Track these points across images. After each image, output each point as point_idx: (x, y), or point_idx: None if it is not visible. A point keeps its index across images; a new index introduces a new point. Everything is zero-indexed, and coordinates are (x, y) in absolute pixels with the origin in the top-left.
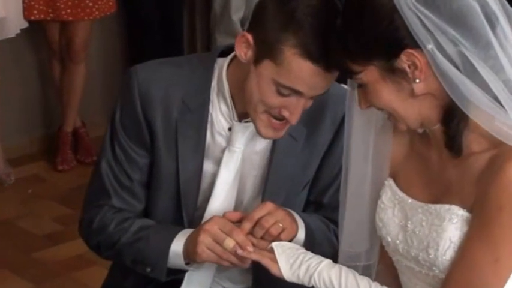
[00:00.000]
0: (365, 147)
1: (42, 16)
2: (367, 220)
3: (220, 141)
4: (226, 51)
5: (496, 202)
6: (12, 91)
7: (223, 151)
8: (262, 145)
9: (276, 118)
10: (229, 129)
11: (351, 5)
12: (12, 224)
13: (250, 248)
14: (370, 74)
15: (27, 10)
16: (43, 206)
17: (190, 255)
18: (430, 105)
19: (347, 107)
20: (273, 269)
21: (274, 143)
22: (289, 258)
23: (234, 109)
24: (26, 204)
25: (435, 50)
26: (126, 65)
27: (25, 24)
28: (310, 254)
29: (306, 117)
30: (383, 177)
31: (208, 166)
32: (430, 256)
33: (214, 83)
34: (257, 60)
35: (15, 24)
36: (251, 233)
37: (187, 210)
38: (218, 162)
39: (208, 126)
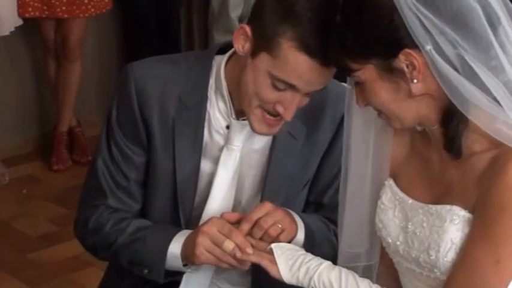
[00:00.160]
0: (365, 146)
1: (37, 13)
2: (367, 220)
3: (218, 139)
4: (224, 49)
5: (498, 203)
6: (7, 90)
7: (221, 150)
8: (261, 144)
9: (270, 114)
10: (227, 127)
11: (350, 3)
12: (7, 224)
13: (249, 250)
14: (367, 72)
15: (21, 7)
16: (38, 207)
17: (189, 257)
18: (428, 106)
19: (346, 106)
20: (272, 271)
21: (273, 141)
22: (288, 260)
23: (232, 107)
24: (21, 204)
25: (433, 51)
26: (122, 63)
27: (19, 22)
28: (310, 256)
29: (305, 115)
30: (383, 177)
31: (205, 165)
32: (431, 258)
33: (212, 81)
34: (254, 52)
35: (10, 22)
36: (250, 233)
37: (184, 210)
38: (216, 161)
39: (206, 124)
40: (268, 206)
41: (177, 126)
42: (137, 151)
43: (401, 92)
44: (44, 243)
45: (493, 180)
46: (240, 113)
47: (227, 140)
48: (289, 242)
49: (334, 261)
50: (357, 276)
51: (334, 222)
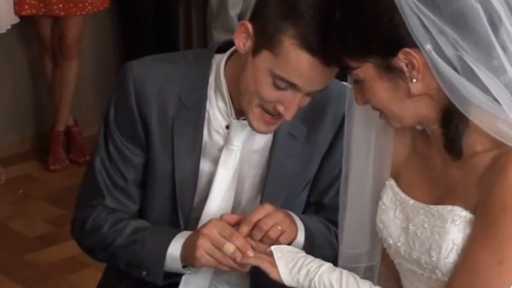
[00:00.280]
0: (366, 146)
1: (33, 11)
2: (368, 221)
3: (218, 139)
4: (223, 47)
5: (499, 203)
6: (3, 88)
7: (220, 150)
8: (261, 144)
9: (269, 113)
10: (227, 127)
11: (351, 0)
12: (3, 225)
13: (250, 253)
14: (366, 70)
15: (18, 5)
16: (35, 207)
17: (188, 259)
18: (427, 105)
19: (347, 105)
20: (272, 274)
21: (274, 141)
22: (288, 262)
23: (232, 106)
24: (17, 205)
25: (433, 51)
26: (119, 62)
27: (16, 20)
28: (310, 258)
29: (306, 115)
30: (384, 177)
31: (205, 165)
32: (433, 259)
33: (211, 80)
34: (255, 50)
35: (6, 19)
36: (249, 235)
37: (183, 211)
38: (215, 161)
39: (205, 123)
40: (268, 207)
41: (176, 126)
42: (135, 151)
43: (400, 92)
44: (40, 244)
45: (495, 180)
46: (240, 113)
47: (227, 140)
48: (289, 244)
49: (335, 263)
50: (358, 277)
51: (335, 224)
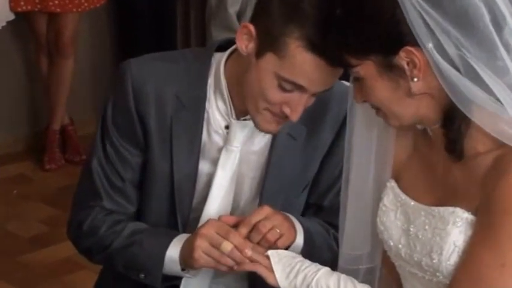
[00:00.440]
0: (368, 146)
1: (29, 7)
2: (369, 222)
3: (217, 140)
4: (223, 46)
5: (501, 205)
6: None
7: (220, 150)
8: (260, 144)
9: (276, 115)
10: (226, 127)
11: None
12: None
13: (248, 251)
14: (366, 68)
15: (13, 1)
16: (29, 207)
17: (187, 261)
18: (428, 105)
19: (349, 105)
20: (269, 279)
21: (273, 142)
22: (285, 267)
23: (231, 106)
24: (11, 205)
25: (434, 50)
26: (116, 60)
27: (11, 17)
28: (307, 263)
29: (306, 116)
30: (385, 177)
31: (204, 166)
32: (434, 261)
33: (211, 79)
34: (259, 53)
35: (1, 16)
36: (247, 237)
37: (181, 212)
38: (214, 162)
39: (205, 124)
40: (267, 209)
41: (174, 126)
42: (133, 151)
43: (400, 90)
44: (35, 245)
45: (497, 181)
46: (240, 113)
47: (226, 140)
48: (288, 247)
49: (334, 267)
50: (356, 282)
51: (334, 226)
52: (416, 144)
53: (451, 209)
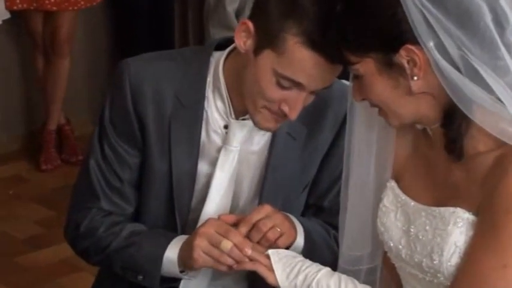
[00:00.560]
0: (368, 146)
1: (25, 6)
2: (369, 222)
3: (216, 140)
4: (222, 45)
5: (503, 205)
6: None
7: (218, 150)
8: (259, 144)
9: (275, 113)
10: (225, 126)
11: None
12: None
13: (248, 250)
14: (366, 66)
15: (9, 0)
16: (25, 208)
17: (186, 261)
18: (428, 104)
19: (349, 104)
20: (269, 279)
21: (272, 142)
22: (286, 266)
23: (230, 106)
24: (6, 206)
25: (434, 49)
26: (113, 59)
27: (7, 15)
28: (308, 262)
29: (306, 115)
30: (385, 178)
31: (202, 166)
32: (434, 262)
33: (209, 78)
34: (257, 49)
35: None
36: (247, 236)
37: (180, 213)
38: (213, 163)
39: (203, 123)
40: (267, 208)
41: (173, 126)
42: (131, 151)
43: (400, 89)
44: (30, 246)
45: (498, 180)
46: (239, 112)
47: (225, 140)
48: (288, 247)
49: (334, 267)
50: (357, 282)
51: (335, 227)
52: (416, 144)
53: (451, 209)
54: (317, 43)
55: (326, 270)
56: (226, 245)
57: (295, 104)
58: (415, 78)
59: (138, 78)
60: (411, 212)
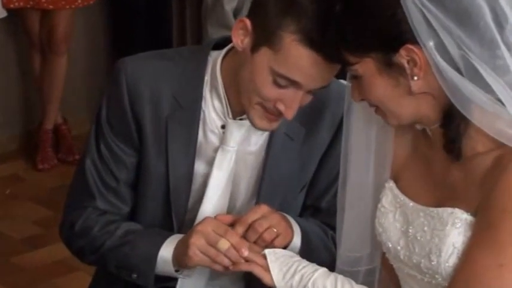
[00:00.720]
0: (366, 146)
1: (21, 4)
2: (368, 222)
3: (213, 139)
4: (220, 44)
5: (500, 204)
6: None
7: (216, 150)
8: (257, 144)
9: (269, 111)
10: (223, 127)
11: None
12: None
13: (245, 251)
14: (366, 66)
15: None
16: (22, 208)
17: (181, 259)
18: (428, 104)
19: (346, 104)
20: (265, 279)
21: (270, 142)
22: (282, 266)
23: (228, 106)
24: (3, 205)
25: (434, 49)
26: (110, 58)
27: (3, 14)
28: (304, 262)
29: (304, 115)
30: (384, 178)
31: (199, 166)
32: (432, 263)
33: (207, 78)
34: (254, 47)
35: None
36: (244, 236)
37: (177, 213)
38: (210, 163)
39: (201, 123)
40: (264, 208)
41: (170, 126)
42: (128, 151)
43: (400, 89)
44: (27, 246)
45: (496, 181)
46: (237, 112)
47: (222, 140)
48: (285, 247)
49: (332, 268)
50: (353, 283)
51: (332, 228)
52: (416, 144)
53: (450, 209)
54: (315, 41)
55: (323, 270)
56: (224, 244)
57: (291, 103)
58: (415, 78)
59: (135, 78)
60: (410, 212)
